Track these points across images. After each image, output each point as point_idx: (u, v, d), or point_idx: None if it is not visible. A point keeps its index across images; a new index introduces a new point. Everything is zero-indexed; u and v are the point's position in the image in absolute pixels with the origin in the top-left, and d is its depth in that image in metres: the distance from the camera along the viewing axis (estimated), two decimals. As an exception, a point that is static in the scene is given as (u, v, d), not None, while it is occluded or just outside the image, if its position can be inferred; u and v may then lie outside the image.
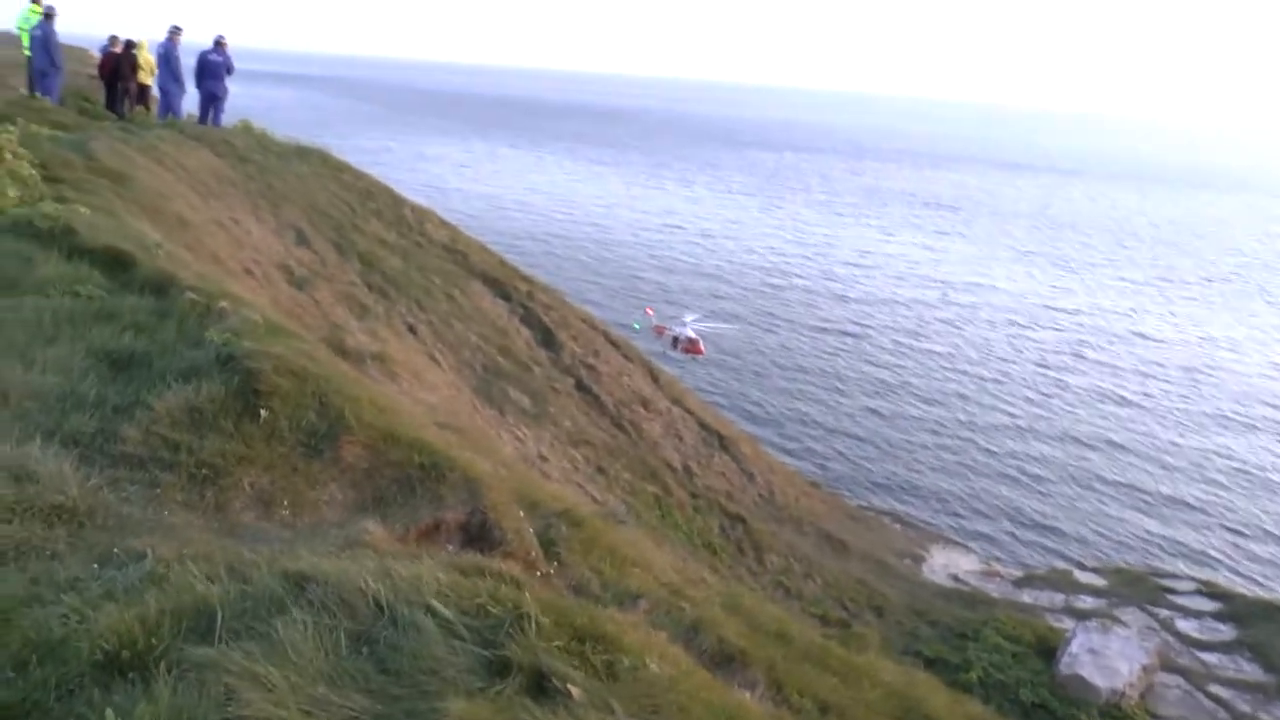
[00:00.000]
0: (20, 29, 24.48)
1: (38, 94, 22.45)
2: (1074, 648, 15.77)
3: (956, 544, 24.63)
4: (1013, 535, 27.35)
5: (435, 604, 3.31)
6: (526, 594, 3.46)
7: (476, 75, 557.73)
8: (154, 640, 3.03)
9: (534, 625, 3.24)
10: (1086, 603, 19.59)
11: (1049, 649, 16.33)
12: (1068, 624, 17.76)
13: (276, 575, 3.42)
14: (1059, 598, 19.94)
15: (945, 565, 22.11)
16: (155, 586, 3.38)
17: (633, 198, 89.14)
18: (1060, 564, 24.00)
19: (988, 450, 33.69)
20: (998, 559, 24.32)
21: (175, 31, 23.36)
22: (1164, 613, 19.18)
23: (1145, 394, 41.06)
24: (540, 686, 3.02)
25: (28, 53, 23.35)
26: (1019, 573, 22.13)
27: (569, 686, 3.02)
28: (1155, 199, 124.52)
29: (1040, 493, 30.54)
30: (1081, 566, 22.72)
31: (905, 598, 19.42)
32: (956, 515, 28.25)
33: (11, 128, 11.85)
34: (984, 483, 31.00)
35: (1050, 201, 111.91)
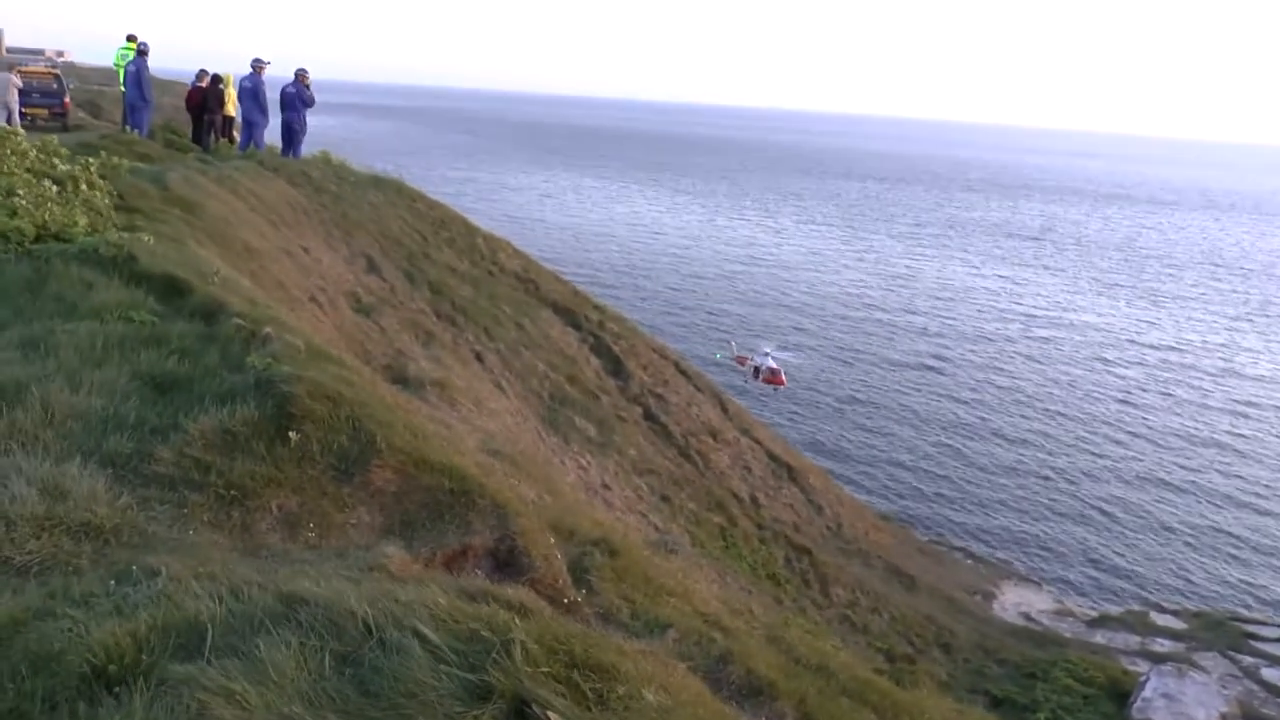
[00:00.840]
0: (117, 65, 25.54)
1: (127, 127, 23.29)
2: (1148, 692, 15.36)
3: (1030, 581, 24.09)
4: (1090, 577, 26.55)
5: (423, 628, 3.33)
6: (515, 620, 3.47)
7: (566, 106, 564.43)
8: (144, 655, 3.10)
9: (522, 651, 3.25)
10: (1163, 646, 19.04)
11: (1122, 692, 15.91)
12: (1142, 667, 17.30)
13: (271, 595, 3.48)
14: (1134, 640, 19.41)
15: (1017, 603, 21.66)
16: (154, 603, 3.46)
17: (716, 229, 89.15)
18: (1138, 606, 23.28)
19: (1067, 490, 32.87)
20: (1072, 599, 23.68)
21: (260, 65, 23.96)
22: (1248, 660, 18.57)
23: (1236, 434, 39.71)
24: (521, 713, 3.01)
25: (123, 88, 24.30)
26: (1093, 613, 21.59)
27: (548, 714, 3.01)
28: (1252, 230, 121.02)
29: (1121, 534, 29.66)
30: (1160, 609, 22.09)
31: (974, 635, 19.06)
32: (1031, 554, 27.56)
33: (92, 160, 12.31)
34: (1062, 523, 30.23)
35: (1139, 233, 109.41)
